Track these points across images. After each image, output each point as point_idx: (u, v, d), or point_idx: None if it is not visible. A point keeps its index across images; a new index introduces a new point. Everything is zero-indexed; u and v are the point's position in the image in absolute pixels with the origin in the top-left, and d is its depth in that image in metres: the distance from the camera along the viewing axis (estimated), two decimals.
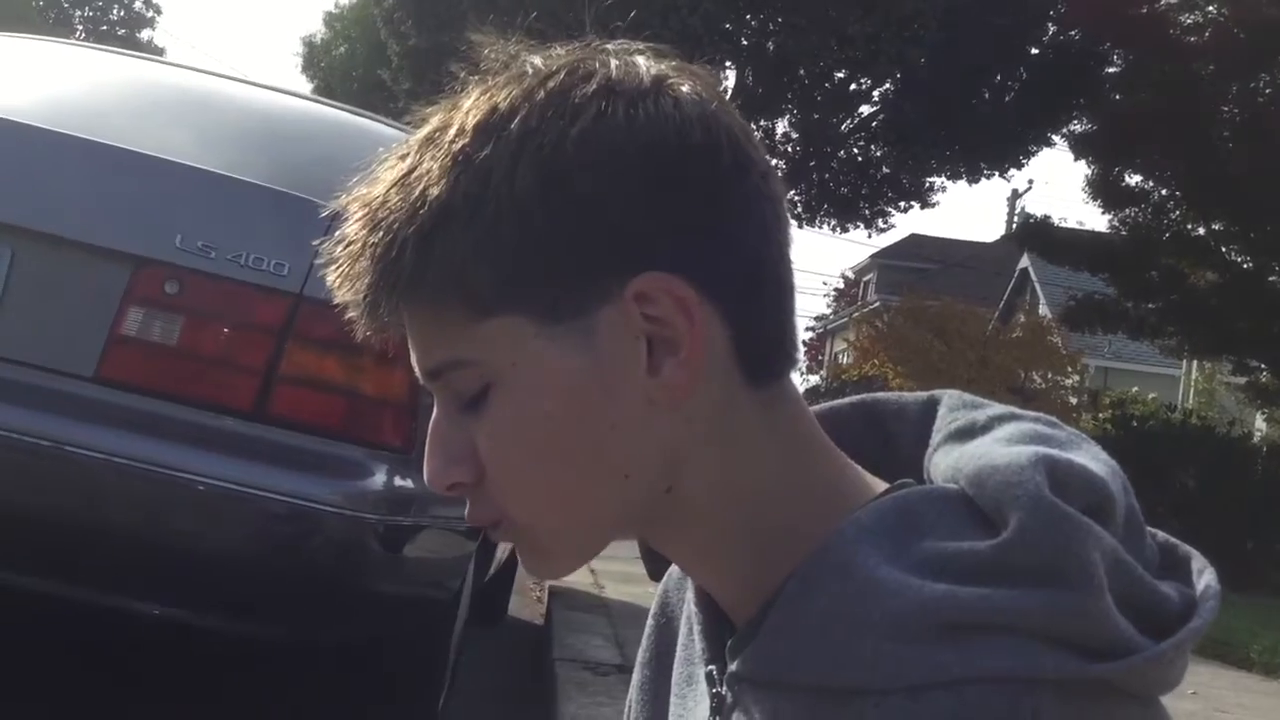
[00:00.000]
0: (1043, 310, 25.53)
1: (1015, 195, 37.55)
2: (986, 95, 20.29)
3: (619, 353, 0.73)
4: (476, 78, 0.77)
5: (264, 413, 2.56)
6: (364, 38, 30.88)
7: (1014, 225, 30.57)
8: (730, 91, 17.98)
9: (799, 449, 0.77)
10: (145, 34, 39.28)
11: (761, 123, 20.10)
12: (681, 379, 0.73)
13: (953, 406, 0.80)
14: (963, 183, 21.98)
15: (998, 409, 0.78)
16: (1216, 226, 14.02)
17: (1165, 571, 0.73)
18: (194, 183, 2.64)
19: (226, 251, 2.54)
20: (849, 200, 22.37)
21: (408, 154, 0.75)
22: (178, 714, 3.27)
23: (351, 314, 0.76)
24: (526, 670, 4.72)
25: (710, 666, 0.80)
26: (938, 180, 22.26)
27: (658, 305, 0.72)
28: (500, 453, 0.75)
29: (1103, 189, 14.58)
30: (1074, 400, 20.74)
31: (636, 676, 0.93)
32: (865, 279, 42.87)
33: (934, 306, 22.42)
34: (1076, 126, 17.21)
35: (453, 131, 0.74)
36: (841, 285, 45.41)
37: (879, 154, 21.99)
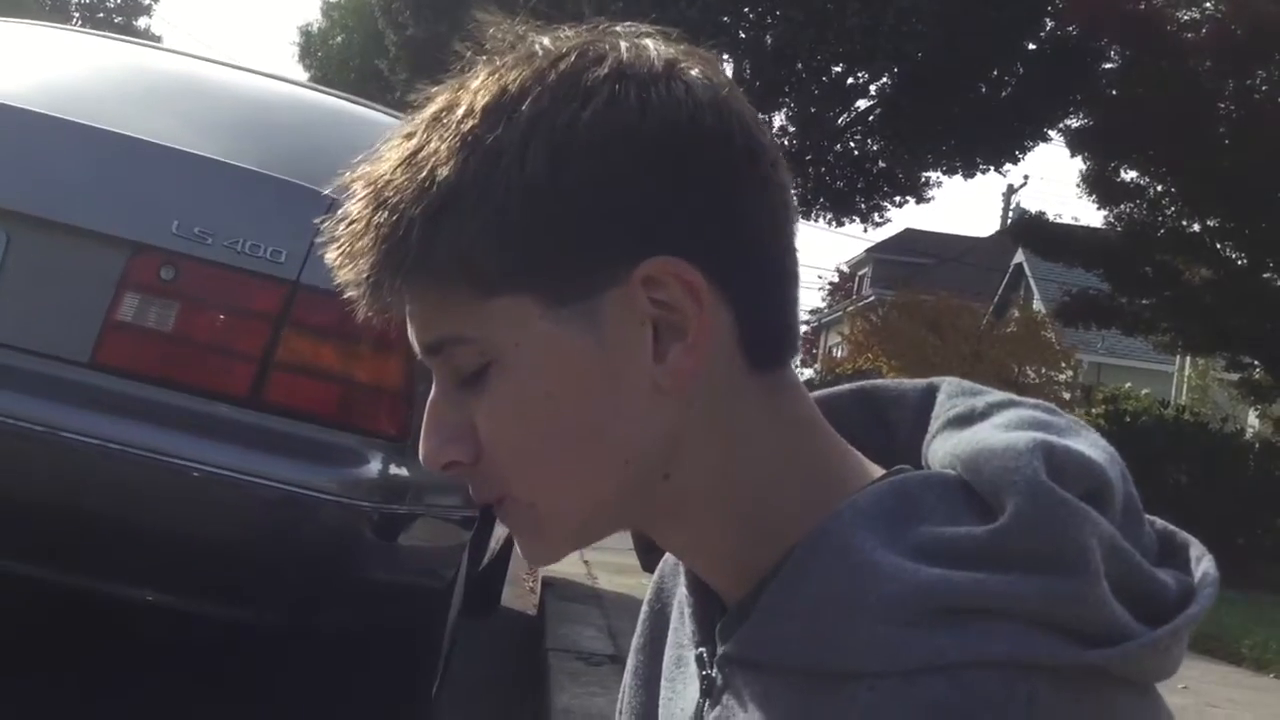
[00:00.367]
0: (1037, 305, 25.51)
1: (1011, 190, 37.70)
2: (983, 90, 20.27)
3: (624, 337, 0.73)
4: (484, 58, 0.76)
5: (260, 400, 2.55)
6: (361, 27, 30.86)
7: (1009, 220, 30.67)
8: None
9: (799, 435, 0.76)
10: (142, 21, 39.07)
11: (759, 115, 20.04)
12: (687, 364, 0.73)
13: (952, 393, 0.79)
14: (958, 177, 21.97)
15: (997, 396, 0.78)
16: (1211, 223, 14.04)
17: (1163, 559, 0.73)
18: (191, 169, 2.64)
19: (223, 238, 2.53)
20: (845, 194, 22.37)
21: (414, 133, 0.74)
22: (170, 699, 3.27)
23: (352, 293, 0.75)
24: (519, 660, 4.71)
25: (700, 649, 0.80)
26: (933, 175, 22.30)
27: (666, 289, 0.72)
28: (500, 432, 0.74)
29: (1098, 185, 14.59)
30: (1067, 396, 20.72)
31: (630, 662, 0.93)
32: (860, 273, 42.90)
33: (928, 301, 22.40)
34: (1073, 122, 17.23)
35: (461, 111, 0.73)
36: (836, 279, 45.50)
37: (875, 148, 21.99)
